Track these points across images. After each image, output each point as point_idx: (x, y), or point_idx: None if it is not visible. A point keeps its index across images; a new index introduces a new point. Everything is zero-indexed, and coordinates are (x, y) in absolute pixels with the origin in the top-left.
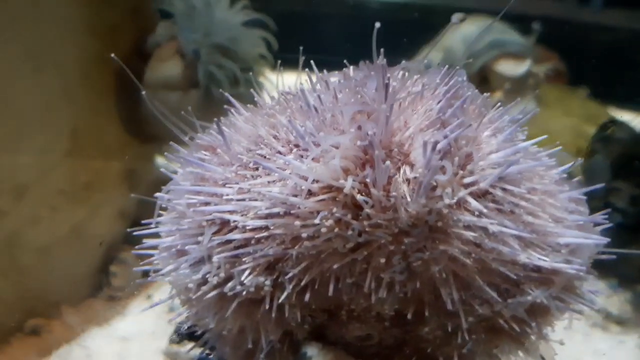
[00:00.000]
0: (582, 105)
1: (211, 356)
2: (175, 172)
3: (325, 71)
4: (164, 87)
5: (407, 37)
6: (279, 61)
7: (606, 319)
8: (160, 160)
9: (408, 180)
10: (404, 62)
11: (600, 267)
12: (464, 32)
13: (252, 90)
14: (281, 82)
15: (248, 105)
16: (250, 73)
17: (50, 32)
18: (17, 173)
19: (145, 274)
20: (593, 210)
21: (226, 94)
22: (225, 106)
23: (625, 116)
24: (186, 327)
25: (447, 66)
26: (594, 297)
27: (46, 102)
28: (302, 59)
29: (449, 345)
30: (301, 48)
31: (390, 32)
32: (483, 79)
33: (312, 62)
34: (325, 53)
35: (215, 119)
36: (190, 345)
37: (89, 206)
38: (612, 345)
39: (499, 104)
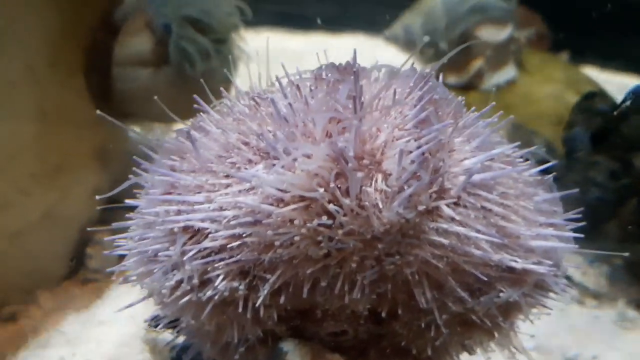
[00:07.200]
0: (564, 70)
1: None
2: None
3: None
4: (134, 63)
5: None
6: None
7: (582, 294)
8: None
9: (380, 190)
10: (377, 62)
11: (576, 241)
12: None
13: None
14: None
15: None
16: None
17: (11, 7)
18: None
19: (121, 257)
20: (574, 183)
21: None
22: (195, 106)
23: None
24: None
25: (423, 71)
26: (566, 288)
27: (10, 83)
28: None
29: (422, 338)
30: None
31: None
32: None
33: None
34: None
35: (184, 128)
36: (168, 333)
37: (61, 188)
38: (588, 320)
39: (473, 108)
